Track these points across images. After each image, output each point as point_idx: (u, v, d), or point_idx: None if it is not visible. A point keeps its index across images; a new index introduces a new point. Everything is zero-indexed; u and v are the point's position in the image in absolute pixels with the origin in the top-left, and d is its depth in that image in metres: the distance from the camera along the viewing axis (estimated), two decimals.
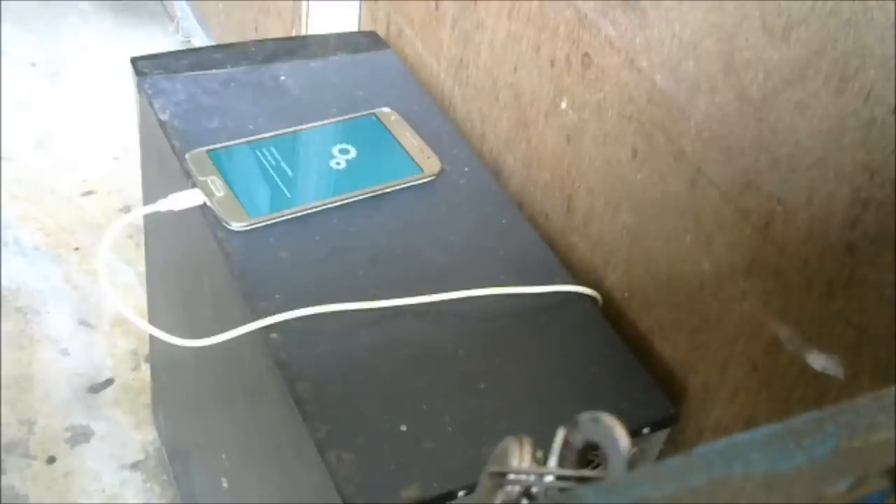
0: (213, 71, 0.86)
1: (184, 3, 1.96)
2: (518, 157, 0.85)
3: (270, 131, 0.81)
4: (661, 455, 0.71)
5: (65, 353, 1.37)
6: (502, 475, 0.37)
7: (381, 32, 1.01)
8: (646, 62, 0.67)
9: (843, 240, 0.54)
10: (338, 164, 0.79)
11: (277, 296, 0.68)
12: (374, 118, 0.84)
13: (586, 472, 0.36)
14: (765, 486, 0.27)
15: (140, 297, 1.15)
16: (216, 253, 0.71)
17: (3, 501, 1.18)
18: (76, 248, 1.53)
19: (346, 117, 0.84)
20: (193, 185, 0.74)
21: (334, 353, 0.65)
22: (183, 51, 0.90)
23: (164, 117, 0.80)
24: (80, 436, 1.28)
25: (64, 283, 1.47)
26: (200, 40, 1.89)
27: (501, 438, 0.39)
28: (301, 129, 0.82)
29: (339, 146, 0.81)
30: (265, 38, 0.94)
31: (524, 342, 0.69)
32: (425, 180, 0.79)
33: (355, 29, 1.10)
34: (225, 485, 0.88)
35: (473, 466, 0.59)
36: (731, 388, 0.66)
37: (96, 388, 1.34)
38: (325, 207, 0.75)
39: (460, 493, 0.59)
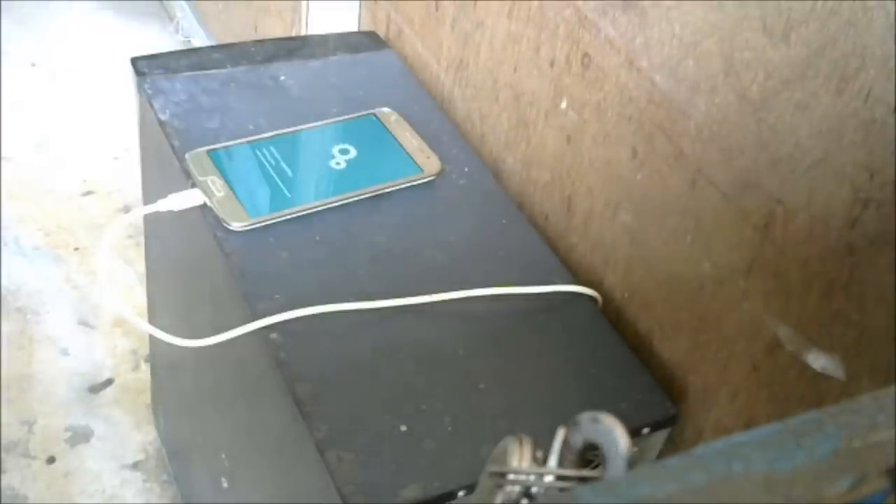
0: (213, 71, 0.86)
1: (184, 3, 1.96)
2: (518, 157, 0.85)
3: (270, 131, 0.81)
4: (661, 455, 0.71)
5: (65, 353, 1.37)
6: (502, 475, 0.37)
7: (381, 32, 1.01)
8: (646, 62, 0.67)
9: (843, 240, 0.54)
10: (338, 164, 0.79)
11: (277, 296, 0.68)
12: (374, 118, 0.84)
13: (586, 472, 0.36)
14: (765, 486, 0.27)
15: (140, 297, 1.15)
16: (216, 253, 0.71)
17: (3, 501, 1.18)
18: (76, 248, 1.53)
19: (346, 117, 0.84)
20: (193, 185, 0.74)
21: (334, 353, 0.65)
22: (183, 51, 0.90)
23: (164, 117, 0.80)
24: (80, 436, 1.28)
25: (64, 283, 1.47)
26: (200, 40, 1.89)
27: (501, 438, 0.39)
28: (301, 129, 0.82)
29: (339, 146, 0.81)
30: (265, 38, 0.94)
31: (524, 342, 0.69)
32: (425, 180, 0.79)
33: (355, 29, 1.10)
34: (225, 485, 0.88)
35: (473, 466, 0.59)
36: (731, 388, 0.66)
37: (96, 388, 1.34)
38: (325, 207, 0.75)
39: (460, 493, 0.59)
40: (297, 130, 0.81)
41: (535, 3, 0.78)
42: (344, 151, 0.80)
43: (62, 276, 1.48)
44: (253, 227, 0.72)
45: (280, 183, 0.76)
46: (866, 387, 0.56)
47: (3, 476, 1.21)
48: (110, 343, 1.39)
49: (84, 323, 1.41)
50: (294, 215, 0.74)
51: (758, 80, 0.58)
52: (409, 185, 0.78)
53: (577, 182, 0.77)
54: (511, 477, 0.37)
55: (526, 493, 0.36)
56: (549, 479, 0.36)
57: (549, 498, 0.36)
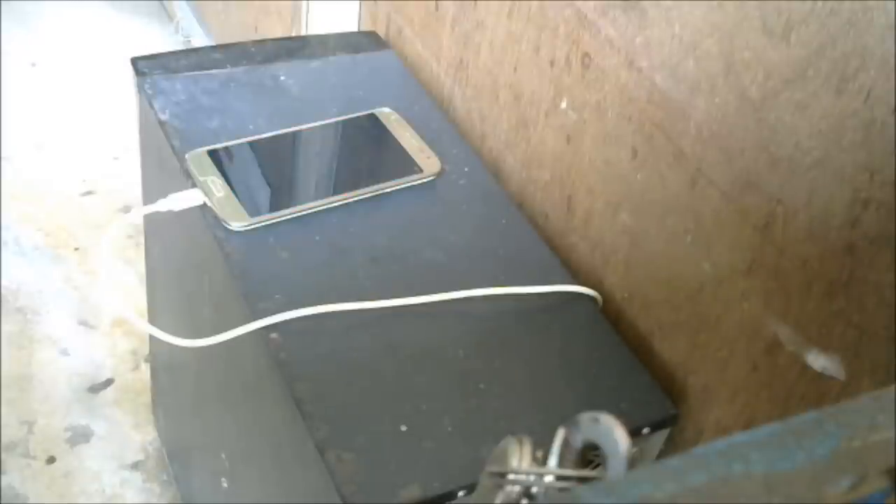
0: (213, 71, 0.86)
1: (184, 3, 1.96)
2: (518, 157, 0.85)
3: (270, 131, 0.81)
4: (661, 455, 0.71)
5: (65, 353, 1.37)
6: (502, 475, 0.37)
7: (381, 32, 1.01)
8: (646, 62, 0.67)
9: (843, 240, 0.54)
10: (338, 163, 0.79)
11: (277, 296, 0.68)
12: (374, 118, 0.84)
13: (586, 472, 0.36)
14: (765, 486, 0.27)
15: (140, 297, 1.14)
16: (216, 253, 0.71)
17: (3, 501, 1.18)
18: (76, 248, 1.53)
19: (346, 117, 0.84)
20: (193, 185, 0.74)
21: (334, 353, 0.65)
22: (183, 51, 0.90)
23: (164, 117, 0.80)
24: (80, 436, 1.28)
25: (64, 283, 1.47)
26: (200, 40, 1.89)
27: (501, 438, 0.39)
28: (301, 129, 0.82)
29: (338, 145, 0.81)
30: (265, 38, 0.94)
31: (524, 342, 0.69)
32: (425, 180, 0.79)
33: (355, 29, 1.10)
34: (225, 485, 0.88)
35: (473, 466, 0.59)
36: (731, 388, 0.66)
37: (96, 388, 1.34)
38: (325, 207, 0.75)
39: (460, 493, 0.59)
40: (297, 130, 0.81)
41: (535, 3, 0.77)
42: (344, 151, 0.80)
43: (62, 276, 1.48)
44: (253, 227, 0.72)
45: (280, 183, 0.76)
46: (866, 387, 0.56)
47: (3, 476, 1.21)
48: (110, 343, 1.39)
49: (84, 323, 1.41)
50: (294, 215, 0.74)
51: (758, 80, 0.58)
52: (409, 185, 0.78)
53: (577, 182, 0.77)
54: (511, 477, 0.37)
55: (526, 493, 0.36)
56: (549, 479, 0.36)
57: (549, 498, 0.36)
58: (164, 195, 0.73)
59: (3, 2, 1.98)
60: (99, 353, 1.38)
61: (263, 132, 0.80)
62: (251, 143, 0.79)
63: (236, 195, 0.73)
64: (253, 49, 0.90)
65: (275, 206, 0.74)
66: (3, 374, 1.32)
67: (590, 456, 0.37)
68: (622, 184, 0.72)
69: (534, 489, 0.36)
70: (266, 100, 0.85)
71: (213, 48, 0.91)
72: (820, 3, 0.52)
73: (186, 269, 0.86)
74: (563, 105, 0.77)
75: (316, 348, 0.65)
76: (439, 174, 0.80)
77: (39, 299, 1.44)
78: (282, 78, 0.87)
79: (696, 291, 0.67)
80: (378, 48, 0.95)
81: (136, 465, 1.26)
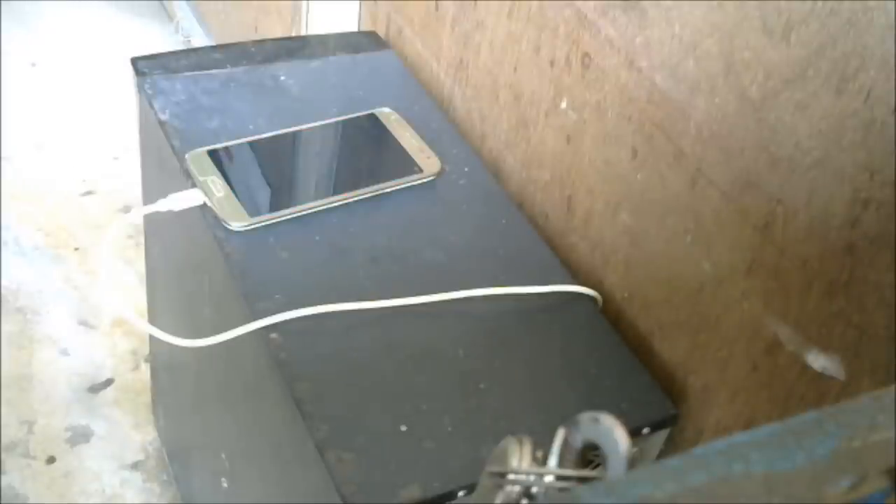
0: (213, 71, 0.86)
1: (184, 3, 1.96)
2: (518, 157, 0.85)
3: (270, 131, 0.81)
4: (661, 455, 0.71)
5: (65, 353, 1.37)
6: (502, 475, 0.37)
7: (381, 32, 1.01)
8: (646, 62, 0.67)
9: (843, 240, 0.54)
10: (337, 163, 0.79)
11: (277, 296, 0.68)
12: (374, 118, 0.84)
13: (586, 472, 0.36)
14: (765, 486, 0.27)
15: (140, 297, 1.14)
16: (216, 253, 0.71)
17: (3, 501, 1.18)
18: (76, 248, 1.53)
19: (346, 117, 0.84)
20: (193, 185, 0.74)
21: (334, 353, 0.65)
22: (183, 51, 0.90)
23: (164, 117, 0.80)
24: (79, 436, 1.27)
25: (64, 283, 1.47)
26: (200, 40, 1.89)
27: (501, 438, 0.39)
28: (301, 129, 0.82)
29: (338, 145, 0.81)
30: (265, 38, 0.94)
31: (524, 342, 0.69)
32: (425, 180, 0.79)
33: (355, 29, 1.10)
34: (225, 485, 0.88)
35: (473, 466, 0.59)
36: (731, 388, 0.66)
37: (96, 388, 1.34)
38: (325, 207, 0.75)
39: (460, 493, 0.59)
40: (297, 130, 0.81)
41: (535, 3, 0.77)
42: (344, 151, 0.80)
43: (62, 276, 1.48)
44: (253, 227, 0.72)
45: (280, 183, 0.76)
46: (866, 387, 0.56)
47: (3, 476, 1.21)
48: (110, 343, 1.39)
49: (84, 323, 1.41)
50: (294, 215, 0.74)
51: (758, 80, 0.58)
52: (409, 185, 0.78)
53: (577, 182, 0.77)
54: (511, 477, 0.37)
55: (526, 493, 0.36)
56: (549, 479, 0.36)
57: (549, 498, 0.36)
58: (164, 195, 0.73)
59: (3, 2, 1.98)
60: (99, 353, 1.38)
61: (263, 132, 0.80)
62: (251, 143, 0.79)
63: (236, 195, 0.73)
64: (253, 49, 0.90)
65: (275, 206, 0.74)
66: (3, 374, 1.32)
67: (590, 456, 0.37)
68: (622, 184, 0.72)
69: (534, 489, 0.36)
70: (266, 100, 0.85)
71: (213, 48, 0.91)
72: (820, 3, 0.52)
73: (186, 269, 0.86)
74: (563, 105, 0.77)
75: (316, 348, 0.65)
76: (439, 174, 0.80)
77: (39, 299, 1.44)
78: (282, 78, 0.87)
79: (696, 291, 0.67)
80: (378, 48, 0.95)
81: (136, 465, 1.26)
